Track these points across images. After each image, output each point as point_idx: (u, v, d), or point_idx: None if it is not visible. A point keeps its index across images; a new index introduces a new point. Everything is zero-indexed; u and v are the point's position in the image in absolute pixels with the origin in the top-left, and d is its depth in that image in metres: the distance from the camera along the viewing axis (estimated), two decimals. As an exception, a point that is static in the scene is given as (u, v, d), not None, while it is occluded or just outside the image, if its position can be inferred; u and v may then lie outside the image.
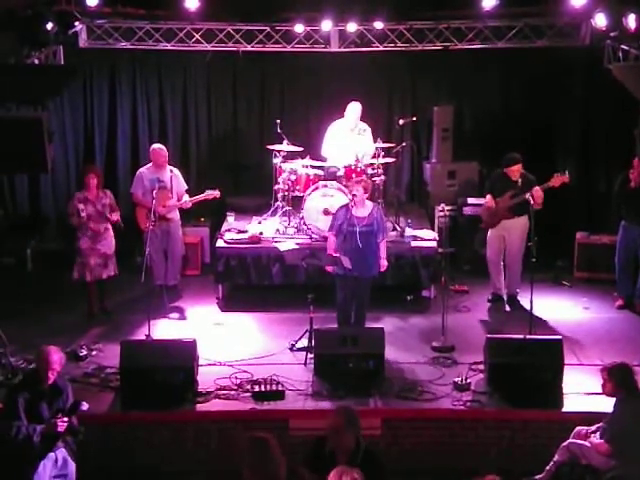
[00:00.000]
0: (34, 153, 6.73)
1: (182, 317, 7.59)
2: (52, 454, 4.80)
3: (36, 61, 7.70)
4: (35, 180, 9.45)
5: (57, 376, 4.91)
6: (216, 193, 7.80)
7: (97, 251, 7.28)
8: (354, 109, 8.32)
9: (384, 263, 6.76)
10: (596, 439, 5.10)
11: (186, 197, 7.86)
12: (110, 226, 7.38)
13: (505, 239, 7.63)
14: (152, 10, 8.57)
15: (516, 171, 7.44)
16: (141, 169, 7.97)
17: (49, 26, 7.58)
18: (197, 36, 8.84)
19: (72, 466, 4.91)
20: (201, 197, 7.82)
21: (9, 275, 8.66)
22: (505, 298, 7.79)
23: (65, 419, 4.80)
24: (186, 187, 7.99)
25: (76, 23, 8.30)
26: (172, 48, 8.94)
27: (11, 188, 9.43)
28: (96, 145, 9.58)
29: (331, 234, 6.79)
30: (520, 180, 7.40)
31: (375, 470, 4.07)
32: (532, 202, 6.99)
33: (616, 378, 5.04)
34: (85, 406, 5.03)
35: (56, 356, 4.84)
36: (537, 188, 7.17)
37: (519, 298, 7.69)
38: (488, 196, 7.66)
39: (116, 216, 7.29)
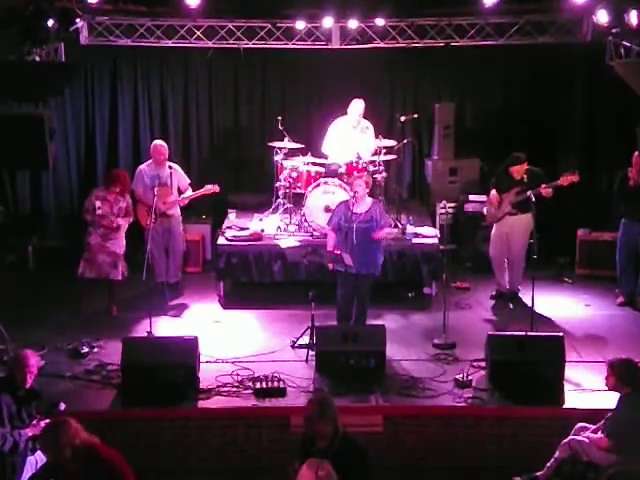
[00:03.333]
0: (35, 150, 6.73)
1: (183, 314, 7.59)
2: (32, 457, 4.78)
3: (37, 58, 7.69)
4: (36, 177, 9.45)
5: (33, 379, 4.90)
6: (215, 188, 7.81)
7: (106, 249, 7.28)
8: (357, 106, 8.31)
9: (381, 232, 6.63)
10: (593, 435, 5.11)
11: (189, 192, 7.86)
12: (122, 226, 7.38)
13: (508, 236, 7.62)
14: (153, 7, 8.56)
15: (519, 171, 7.42)
16: (141, 166, 7.97)
17: (50, 23, 7.56)
18: (198, 33, 8.84)
19: None
20: (201, 192, 7.83)
21: (11, 272, 8.66)
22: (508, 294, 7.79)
23: (47, 421, 4.77)
24: (189, 181, 7.99)
25: (77, 20, 8.27)
26: (173, 45, 8.93)
27: (12, 185, 9.43)
28: (97, 142, 9.58)
29: (330, 230, 6.80)
30: (526, 177, 7.39)
31: (353, 454, 4.14)
32: (533, 199, 6.98)
33: (619, 373, 5.04)
34: (62, 406, 5.02)
35: (33, 359, 4.85)
36: (545, 187, 7.15)
37: (520, 295, 7.69)
38: (493, 191, 7.66)
39: (123, 221, 7.30)
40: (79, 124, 9.56)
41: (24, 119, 6.89)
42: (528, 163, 7.50)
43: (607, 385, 5.16)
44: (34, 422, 4.77)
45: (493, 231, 7.73)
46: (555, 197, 7.45)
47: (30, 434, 4.72)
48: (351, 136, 8.37)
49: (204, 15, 8.52)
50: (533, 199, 6.98)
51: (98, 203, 7.22)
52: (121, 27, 8.75)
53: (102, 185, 7.46)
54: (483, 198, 7.99)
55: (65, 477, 4.01)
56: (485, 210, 7.83)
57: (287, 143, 8.34)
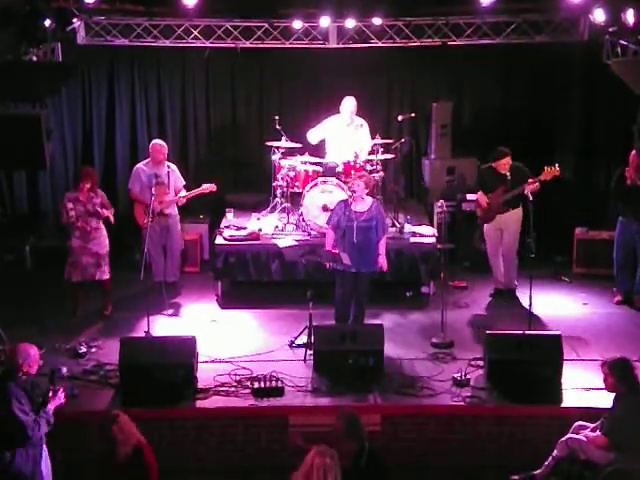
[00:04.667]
0: (33, 150, 6.73)
1: (181, 314, 7.59)
2: (44, 446, 4.81)
3: (34, 58, 7.68)
4: (34, 177, 9.44)
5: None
6: (212, 187, 7.82)
7: (88, 250, 7.24)
8: (349, 104, 8.30)
9: (383, 261, 6.70)
10: (591, 433, 5.12)
11: (183, 192, 7.86)
12: (102, 225, 7.33)
13: (502, 232, 7.65)
14: (150, 7, 8.55)
15: (505, 164, 7.46)
16: (138, 165, 7.96)
17: (47, 23, 7.57)
18: (195, 32, 8.83)
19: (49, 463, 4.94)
20: (198, 191, 7.84)
21: (8, 272, 8.65)
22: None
23: (61, 389, 4.87)
24: (184, 182, 7.99)
25: (74, 20, 8.28)
26: (170, 45, 8.92)
27: (10, 185, 9.42)
28: (95, 142, 9.57)
29: (329, 229, 6.79)
30: (509, 174, 7.41)
31: (379, 472, 4.12)
32: (530, 197, 6.98)
33: (617, 373, 5.05)
34: (64, 370, 5.16)
35: (32, 350, 4.87)
36: (532, 181, 7.18)
37: (518, 293, 7.70)
38: (479, 193, 7.69)
39: (107, 212, 7.26)
40: (76, 124, 9.54)
41: (21, 119, 6.89)
42: (522, 161, 7.52)
43: (606, 387, 5.14)
44: (50, 395, 4.80)
45: (486, 227, 7.76)
46: (553, 195, 7.45)
47: (53, 407, 4.77)
48: (345, 134, 8.37)
49: (201, 15, 8.51)
50: (531, 198, 6.97)
51: (70, 205, 7.16)
52: (118, 27, 8.74)
53: (72, 187, 7.39)
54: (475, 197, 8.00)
55: (110, 473, 4.07)
56: (477, 213, 7.85)
57: (284, 142, 8.34)
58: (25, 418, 4.59)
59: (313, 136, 8.42)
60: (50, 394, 4.81)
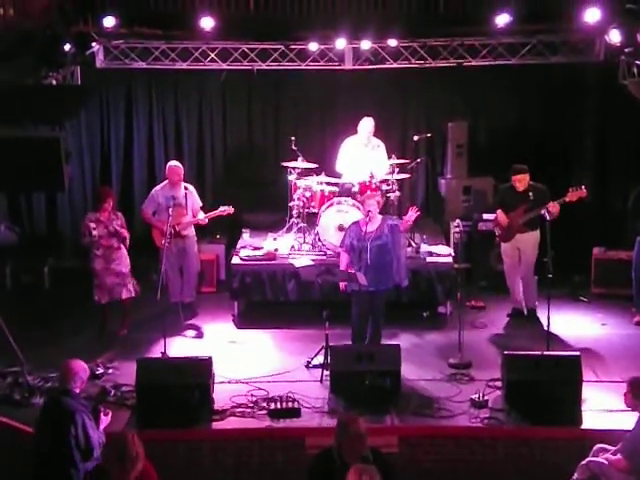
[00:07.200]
0: (51, 172, 6.80)
1: (198, 334, 7.60)
2: None
3: (54, 82, 7.81)
4: (52, 199, 9.55)
5: None
6: (230, 209, 7.86)
7: (112, 270, 7.30)
8: (366, 124, 8.35)
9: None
10: (612, 456, 5.03)
11: (201, 214, 7.92)
12: (122, 245, 7.40)
13: (520, 251, 7.60)
14: (168, 30, 8.67)
15: (522, 181, 7.43)
16: (155, 188, 8.01)
17: (67, 47, 7.71)
18: (212, 55, 8.94)
19: None
20: (215, 213, 7.88)
21: (27, 293, 8.71)
22: (525, 312, 7.73)
23: (108, 410, 5.01)
24: (201, 204, 8.04)
25: (93, 44, 8.43)
26: (188, 67, 9.03)
27: (28, 207, 9.54)
28: (112, 164, 9.69)
29: (342, 251, 6.81)
30: (531, 193, 7.39)
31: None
32: (548, 217, 6.95)
33: (635, 391, 4.97)
34: (112, 391, 5.64)
35: (78, 365, 4.92)
36: (553, 204, 7.15)
37: (538, 314, 7.63)
38: (499, 211, 7.66)
39: (126, 233, 7.34)
40: (94, 146, 9.67)
41: (40, 142, 6.97)
42: (537, 180, 7.49)
43: (625, 402, 5.09)
44: (102, 416, 4.87)
45: (504, 246, 7.71)
46: (570, 215, 7.41)
47: (103, 427, 4.86)
48: (363, 155, 8.40)
49: (218, 37, 8.62)
50: (548, 217, 6.94)
51: (93, 225, 7.23)
52: (136, 50, 8.86)
53: (92, 208, 7.49)
54: (493, 216, 7.97)
55: None
56: (496, 231, 7.81)
57: (301, 163, 8.38)
58: (94, 435, 4.63)
59: (342, 167, 8.43)
60: (101, 415, 4.88)
